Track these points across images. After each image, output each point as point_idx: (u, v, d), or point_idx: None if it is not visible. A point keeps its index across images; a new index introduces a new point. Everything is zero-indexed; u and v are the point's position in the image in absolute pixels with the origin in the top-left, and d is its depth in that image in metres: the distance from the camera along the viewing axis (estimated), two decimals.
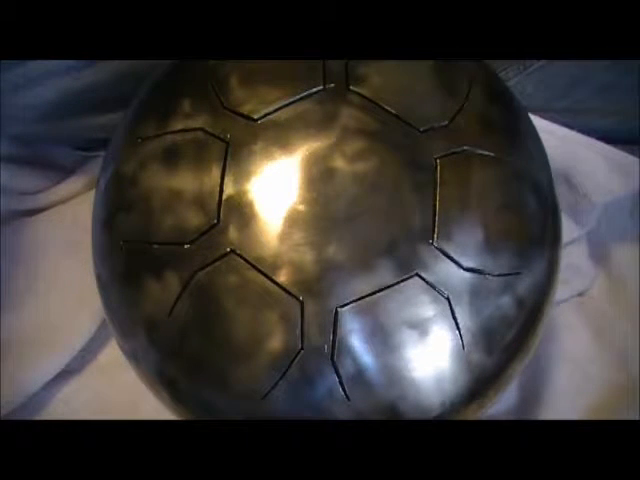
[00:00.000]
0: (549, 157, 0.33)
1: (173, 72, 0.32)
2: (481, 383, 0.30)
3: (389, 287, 0.27)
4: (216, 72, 0.30)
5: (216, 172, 0.28)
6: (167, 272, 0.28)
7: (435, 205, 0.28)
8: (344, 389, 0.28)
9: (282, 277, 0.27)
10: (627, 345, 0.44)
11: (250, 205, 0.28)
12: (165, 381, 0.31)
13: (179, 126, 0.30)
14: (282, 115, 0.29)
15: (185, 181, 0.29)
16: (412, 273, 0.27)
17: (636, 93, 0.43)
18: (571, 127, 0.42)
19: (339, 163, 0.28)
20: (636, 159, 0.42)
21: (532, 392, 0.43)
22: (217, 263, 0.28)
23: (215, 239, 0.28)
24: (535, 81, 0.43)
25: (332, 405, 0.28)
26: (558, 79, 0.44)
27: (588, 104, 0.45)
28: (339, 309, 0.27)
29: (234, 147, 0.28)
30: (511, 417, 0.43)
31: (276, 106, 0.29)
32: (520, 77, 0.43)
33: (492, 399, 0.31)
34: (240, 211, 0.28)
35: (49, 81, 0.39)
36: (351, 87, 0.29)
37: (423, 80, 0.31)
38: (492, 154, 0.30)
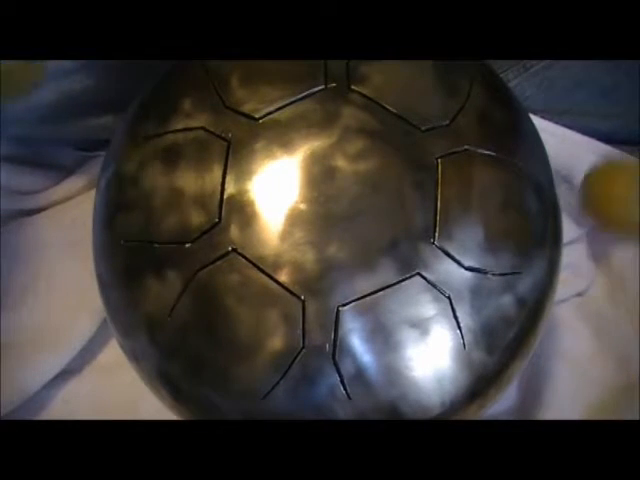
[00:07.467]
0: (549, 157, 0.34)
1: (174, 71, 0.32)
2: (482, 382, 0.30)
3: (390, 286, 0.27)
4: (217, 71, 0.30)
5: (217, 171, 0.28)
6: (168, 271, 0.28)
7: (436, 204, 0.28)
8: (345, 388, 0.28)
9: (283, 276, 0.27)
10: (627, 345, 0.44)
11: (251, 204, 0.28)
12: (166, 380, 0.31)
13: (180, 125, 0.30)
14: (283, 114, 0.29)
15: (186, 180, 0.29)
16: (413, 272, 0.27)
17: (637, 95, 0.44)
18: (571, 128, 0.43)
19: (340, 162, 0.28)
20: (636, 159, 0.43)
21: (532, 392, 0.43)
22: (218, 262, 0.28)
23: (216, 238, 0.28)
24: (536, 83, 0.44)
25: (333, 404, 0.28)
26: (559, 81, 0.44)
27: (589, 106, 0.45)
28: (340, 308, 0.27)
29: (235, 146, 0.28)
30: (511, 417, 0.43)
31: (277, 105, 0.29)
32: (520, 79, 0.43)
33: (493, 399, 0.31)
34: (241, 210, 0.28)
35: (49, 84, 0.39)
36: (352, 87, 0.29)
37: (424, 80, 0.31)
38: (493, 154, 0.30)
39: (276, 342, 0.27)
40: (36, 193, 0.47)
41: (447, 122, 0.29)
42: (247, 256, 0.27)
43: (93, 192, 0.34)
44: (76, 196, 0.47)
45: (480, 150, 0.29)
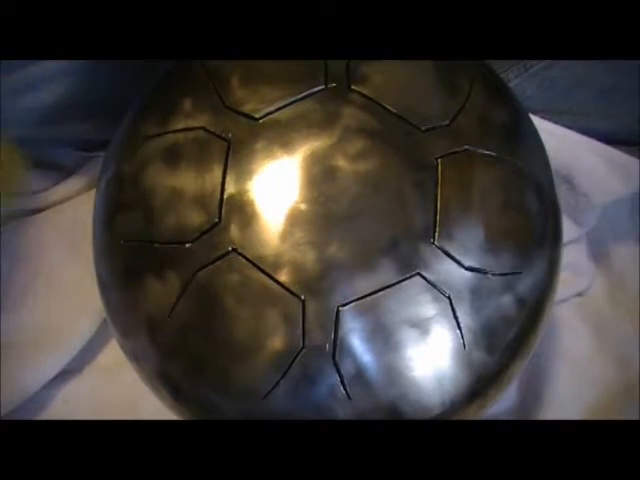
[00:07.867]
0: (549, 157, 0.34)
1: (174, 71, 0.32)
2: (482, 382, 0.30)
3: (390, 286, 0.27)
4: (217, 71, 0.30)
5: (217, 171, 0.28)
6: (168, 271, 0.28)
7: (436, 204, 0.28)
8: (345, 388, 0.28)
9: (283, 276, 0.27)
10: (627, 345, 0.44)
11: (251, 204, 0.28)
12: (166, 380, 0.31)
13: (180, 125, 0.30)
14: (283, 114, 0.29)
15: (186, 180, 0.29)
16: (413, 272, 0.27)
17: (637, 95, 0.43)
18: (571, 128, 0.43)
19: (340, 162, 0.28)
20: (636, 160, 0.43)
21: (532, 392, 0.43)
22: (218, 262, 0.28)
23: (216, 238, 0.28)
24: (536, 83, 0.43)
25: (333, 404, 0.28)
26: (559, 81, 0.44)
27: (589, 106, 0.45)
28: (340, 308, 0.27)
29: (235, 146, 0.28)
30: (511, 417, 0.43)
31: (277, 105, 0.29)
32: (521, 79, 0.43)
33: (493, 399, 0.31)
34: (241, 210, 0.28)
35: (49, 85, 0.39)
36: (352, 87, 0.29)
37: (424, 79, 0.31)
38: (493, 154, 0.30)
39: (276, 342, 0.27)
40: (36, 193, 0.47)
41: (447, 122, 0.29)
42: (247, 256, 0.27)
43: (93, 192, 0.34)
44: (76, 196, 0.47)
45: (480, 150, 0.29)
